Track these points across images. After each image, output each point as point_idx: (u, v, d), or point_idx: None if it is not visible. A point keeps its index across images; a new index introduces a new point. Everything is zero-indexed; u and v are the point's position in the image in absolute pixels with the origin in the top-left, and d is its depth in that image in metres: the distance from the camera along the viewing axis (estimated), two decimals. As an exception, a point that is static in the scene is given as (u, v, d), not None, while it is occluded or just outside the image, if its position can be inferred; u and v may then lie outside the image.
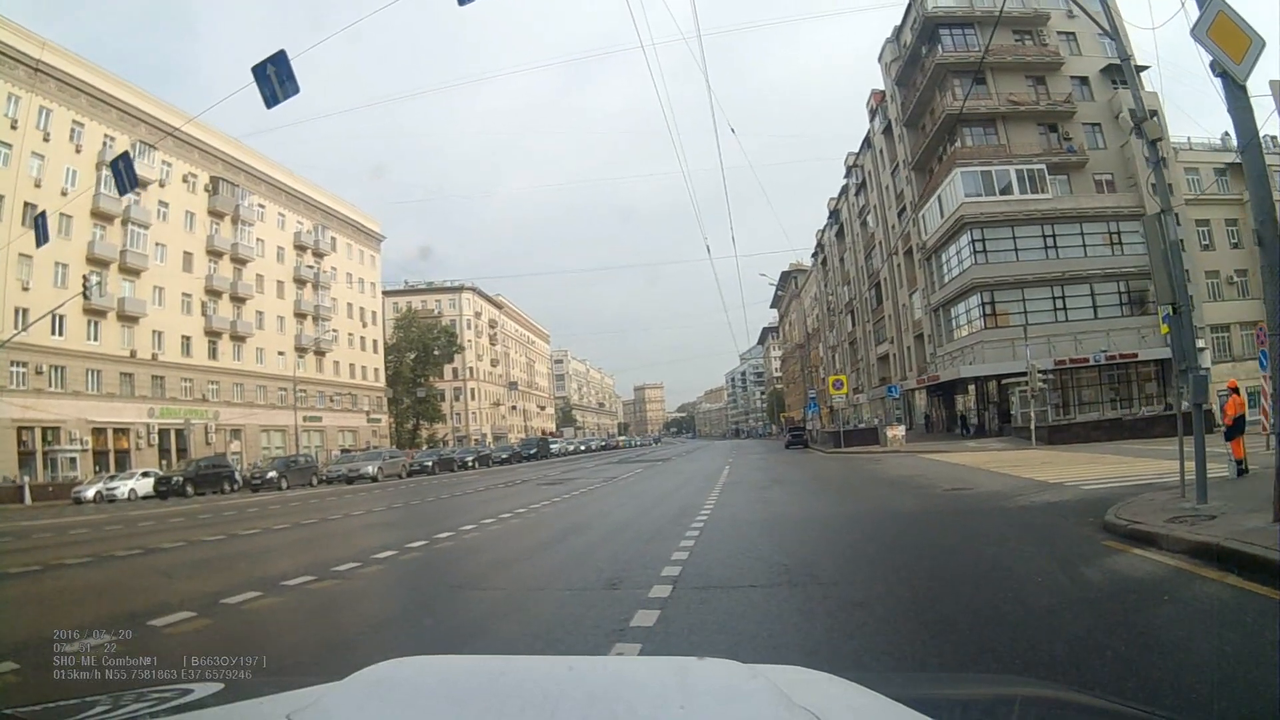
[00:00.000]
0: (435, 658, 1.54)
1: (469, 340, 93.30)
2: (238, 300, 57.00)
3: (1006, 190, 37.78)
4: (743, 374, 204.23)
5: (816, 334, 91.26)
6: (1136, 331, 37.41)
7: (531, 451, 61.38)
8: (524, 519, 13.98)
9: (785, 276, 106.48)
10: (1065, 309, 37.40)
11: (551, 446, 71.04)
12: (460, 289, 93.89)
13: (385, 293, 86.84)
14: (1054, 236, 37.82)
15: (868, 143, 56.72)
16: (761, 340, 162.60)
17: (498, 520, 13.50)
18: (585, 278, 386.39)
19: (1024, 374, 31.99)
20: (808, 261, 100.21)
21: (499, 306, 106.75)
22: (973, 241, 37.47)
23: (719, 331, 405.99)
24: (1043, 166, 38.50)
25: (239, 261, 57.54)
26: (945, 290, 41.38)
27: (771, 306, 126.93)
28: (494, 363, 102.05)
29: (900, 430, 33.87)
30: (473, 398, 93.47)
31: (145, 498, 31.26)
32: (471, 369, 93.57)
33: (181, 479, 31.23)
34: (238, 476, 34.89)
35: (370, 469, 35.15)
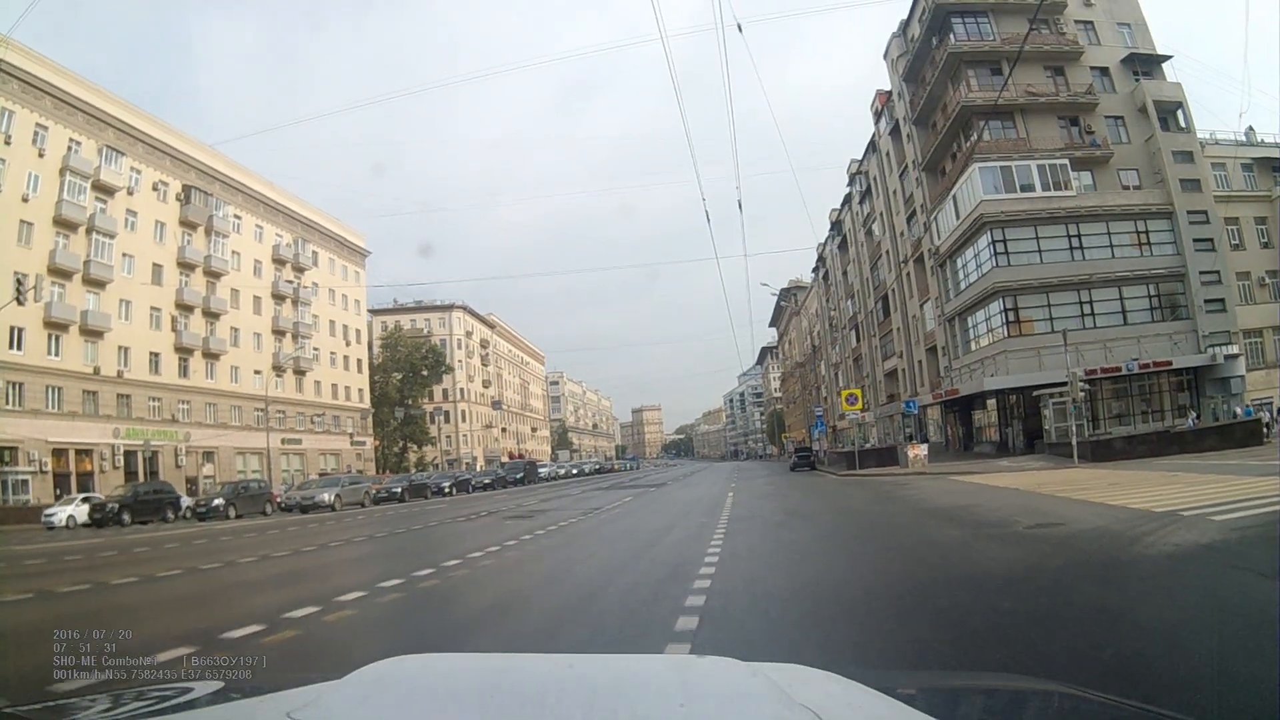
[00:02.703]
0: (436, 655, 1.57)
1: (459, 360, 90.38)
2: (211, 315, 54.22)
3: (1028, 187, 35.02)
4: (741, 395, 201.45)
5: (818, 352, 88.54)
6: (1169, 338, 34.72)
7: (518, 476, 56.86)
8: (445, 580, 9.33)
9: (784, 294, 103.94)
10: (1093, 314, 34.49)
11: (540, 470, 66.71)
12: (450, 308, 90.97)
13: (373, 311, 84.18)
14: (1079, 236, 35.03)
15: (873, 146, 54.06)
16: (760, 360, 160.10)
17: (404, 584, 8.93)
18: (582, 300, 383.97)
19: (1052, 385, 29.22)
20: (807, 278, 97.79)
21: (491, 326, 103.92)
22: (993, 243, 34.57)
23: (717, 354, 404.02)
24: (1065, 161, 35.79)
25: (212, 275, 54.82)
26: (962, 297, 38.48)
27: (770, 325, 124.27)
28: (486, 384, 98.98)
29: (922, 449, 30.59)
30: (463, 419, 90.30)
31: (85, 525, 28.13)
32: (462, 390, 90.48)
33: (117, 506, 27.83)
34: (183, 504, 31.60)
35: (326, 497, 31.61)
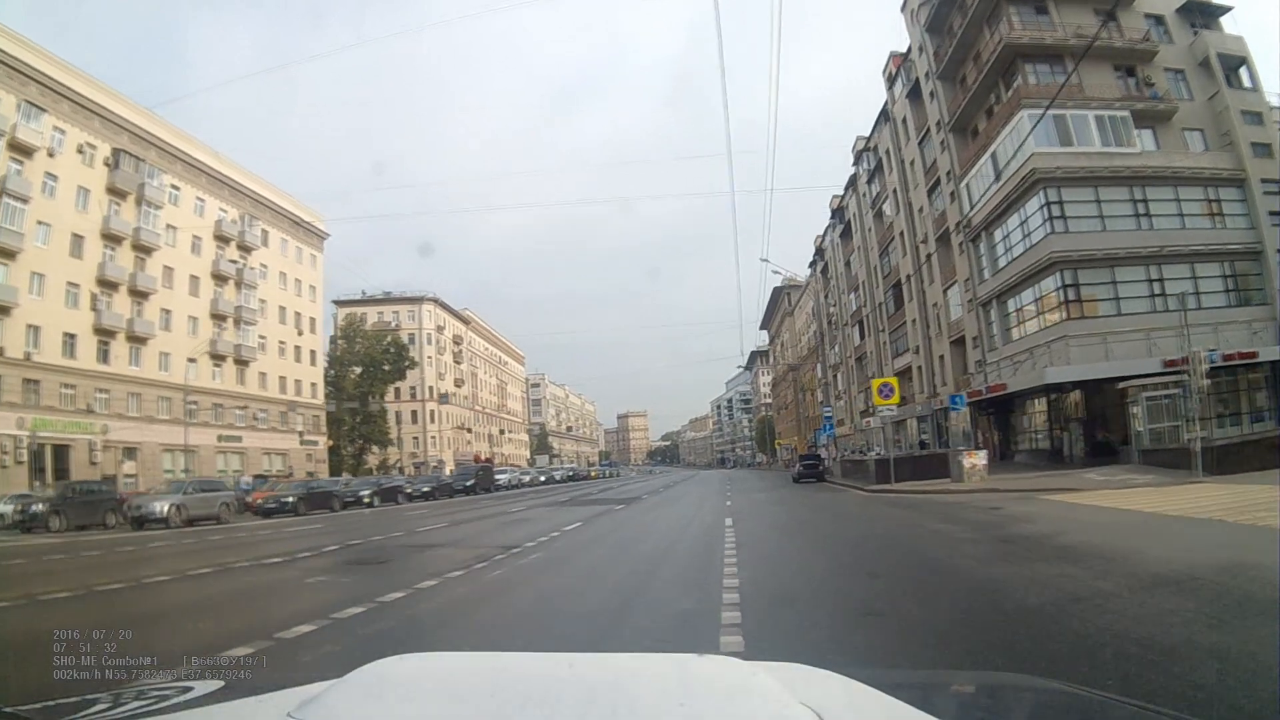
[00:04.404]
0: (436, 654, 1.56)
1: (430, 357, 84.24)
2: (138, 295, 48.04)
3: (1085, 141, 29.30)
4: (729, 401, 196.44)
5: (814, 353, 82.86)
6: (1247, 326, 28.94)
7: (467, 483, 48.65)
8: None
9: (778, 293, 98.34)
10: (1164, 295, 28.54)
11: (499, 476, 58.74)
12: (420, 300, 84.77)
13: (337, 302, 78.44)
14: (1145, 202, 29.27)
15: (884, 116, 48.10)
16: (750, 365, 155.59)
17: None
18: (571, 306, 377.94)
19: (1138, 377, 23.46)
20: (802, 279, 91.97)
21: (466, 322, 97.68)
22: (1047, 204, 28.58)
23: (706, 360, 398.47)
24: (1127, 113, 30.14)
25: (142, 250, 48.63)
26: (1002, 276, 32.47)
27: (761, 327, 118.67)
28: (459, 383, 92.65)
29: (980, 458, 23.73)
30: (432, 420, 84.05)
31: None
32: (432, 388, 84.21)
33: None
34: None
35: (160, 508, 24.34)
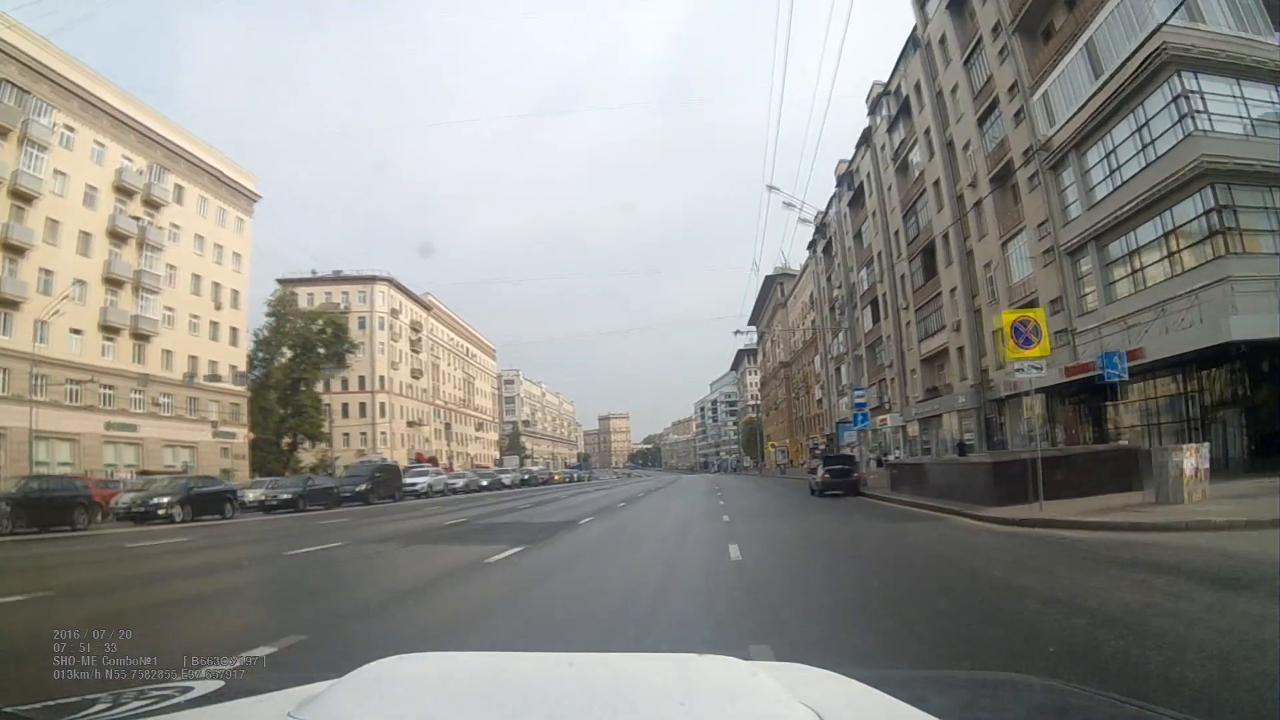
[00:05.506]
0: (436, 654, 1.52)
1: (382, 344, 75.63)
2: (12, 251, 39.84)
3: (1215, 24, 21.25)
4: (713, 403, 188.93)
5: (811, 345, 74.96)
6: None
7: (358, 488, 35.98)
8: None
9: (769, 282, 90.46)
10: (1329, 229, 20.50)
11: (416, 481, 44.88)
12: (373, 279, 76.15)
13: (281, 281, 69.30)
14: (1292, 105, 21.18)
15: (914, 44, 39.75)
16: (736, 366, 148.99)
17: None
18: (557, 305, 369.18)
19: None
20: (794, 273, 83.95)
21: (427, 308, 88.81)
22: (1184, 96, 20.23)
23: (689, 363, 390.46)
24: (1261, -6, 22.15)
25: (20, 198, 40.39)
26: (1106, 207, 23.88)
27: (750, 322, 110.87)
28: (416, 374, 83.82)
29: (1201, 458, 13.82)
30: (382, 414, 75.32)
31: None
32: (383, 379, 75.53)
33: None
34: None
35: None
